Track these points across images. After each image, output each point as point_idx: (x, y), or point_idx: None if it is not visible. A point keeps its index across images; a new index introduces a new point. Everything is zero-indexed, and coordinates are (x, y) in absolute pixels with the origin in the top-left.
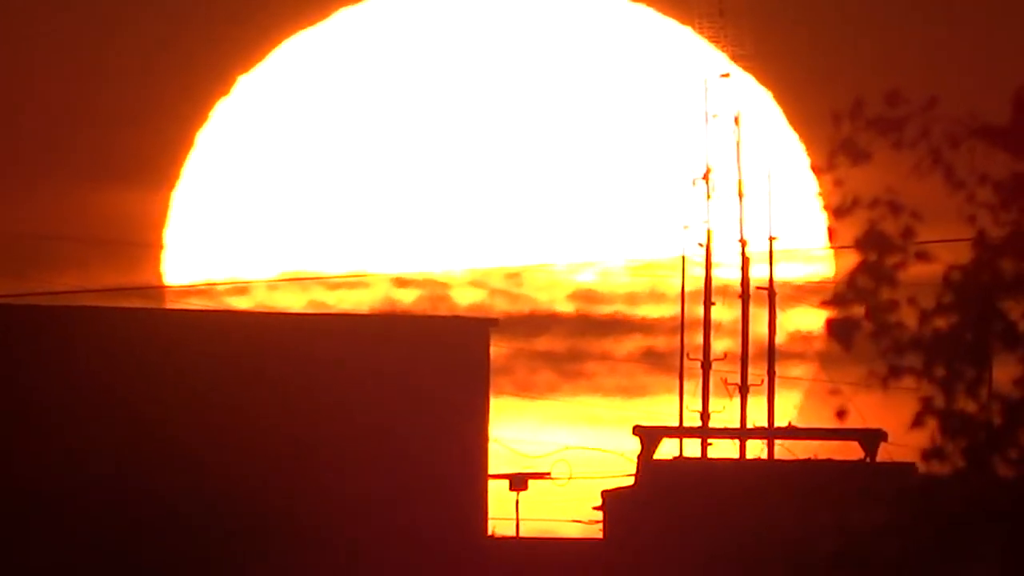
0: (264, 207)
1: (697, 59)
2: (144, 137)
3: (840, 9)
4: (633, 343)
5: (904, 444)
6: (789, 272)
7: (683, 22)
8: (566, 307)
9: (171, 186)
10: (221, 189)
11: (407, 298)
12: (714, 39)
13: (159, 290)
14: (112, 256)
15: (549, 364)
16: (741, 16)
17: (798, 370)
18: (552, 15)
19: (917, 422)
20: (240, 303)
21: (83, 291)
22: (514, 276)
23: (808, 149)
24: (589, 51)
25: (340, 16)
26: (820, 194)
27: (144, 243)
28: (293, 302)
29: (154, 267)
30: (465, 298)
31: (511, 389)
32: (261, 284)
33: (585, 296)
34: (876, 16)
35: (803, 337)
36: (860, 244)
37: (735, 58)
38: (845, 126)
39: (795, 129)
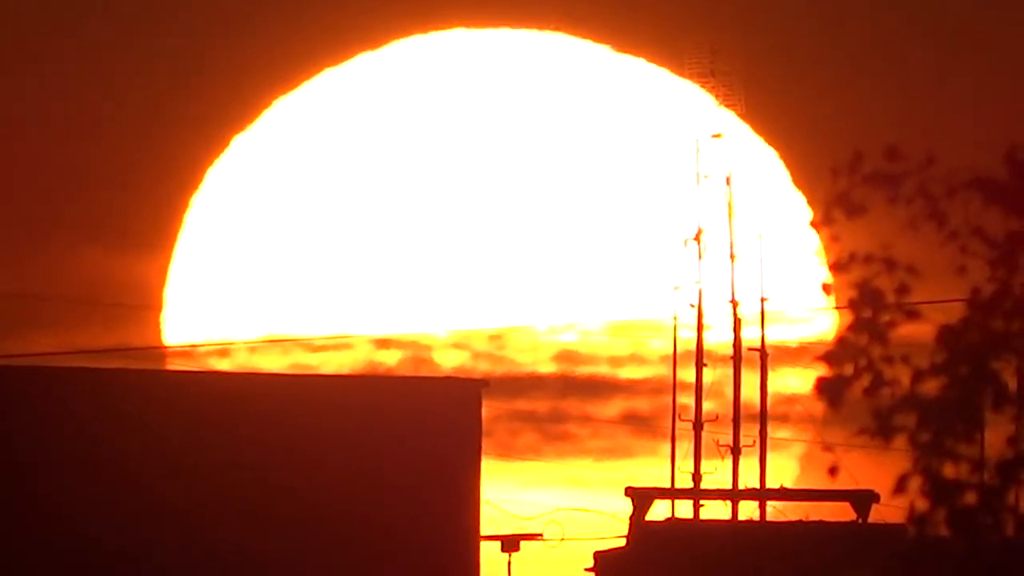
0: (246, 269)
1: (691, 116)
2: (140, 198)
3: (838, 67)
4: (618, 405)
5: (897, 505)
6: (783, 333)
7: (676, 72)
8: (549, 368)
9: (168, 248)
10: (212, 252)
11: (389, 360)
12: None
13: (157, 351)
14: (108, 317)
15: (532, 425)
16: (733, 75)
17: (786, 432)
18: (538, 74)
19: (899, 488)
20: (221, 365)
21: (76, 352)
22: (497, 338)
23: (812, 207)
24: (579, 112)
25: (325, 77)
26: (818, 251)
27: (141, 305)
28: (275, 364)
29: (153, 328)
30: (448, 360)
31: (494, 450)
32: (242, 346)
33: (568, 357)
34: (876, 73)
35: (795, 399)
36: (853, 301)
37: (731, 113)
38: (842, 180)
39: (799, 187)
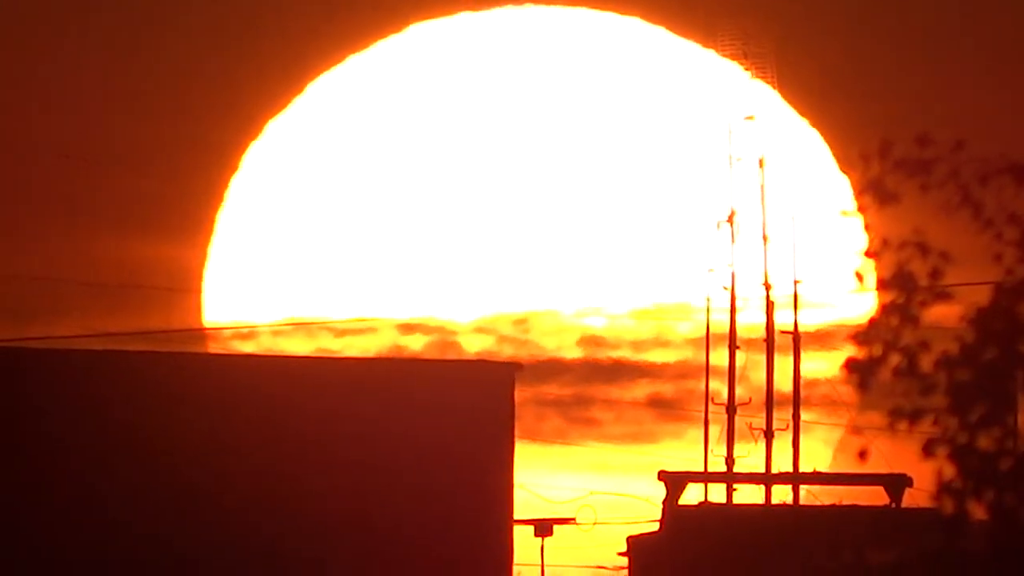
0: (271, 254)
1: (724, 96)
2: (178, 184)
3: (884, 52)
4: (646, 388)
5: (930, 489)
6: (817, 316)
7: (708, 46)
8: (576, 352)
9: (207, 233)
10: (247, 236)
11: (415, 344)
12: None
13: (181, 333)
14: (148, 301)
15: (559, 410)
16: (766, 56)
17: (819, 415)
18: (570, 52)
19: (928, 451)
20: (246, 348)
21: (100, 335)
22: (522, 322)
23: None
24: (610, 91)
25: (351, 62)
26: (854, 235)
27: (181, 288)
28: (299, 348)
29: (194, 312)
30: (473, 344)
31: (522, 434)
32: (266, 330)
33: (595, 341)
34: (928, 59)
35: (828, 382)
36: (887, 285)
37: (775, 94)
38: (874, 167)
39: (844, 171)
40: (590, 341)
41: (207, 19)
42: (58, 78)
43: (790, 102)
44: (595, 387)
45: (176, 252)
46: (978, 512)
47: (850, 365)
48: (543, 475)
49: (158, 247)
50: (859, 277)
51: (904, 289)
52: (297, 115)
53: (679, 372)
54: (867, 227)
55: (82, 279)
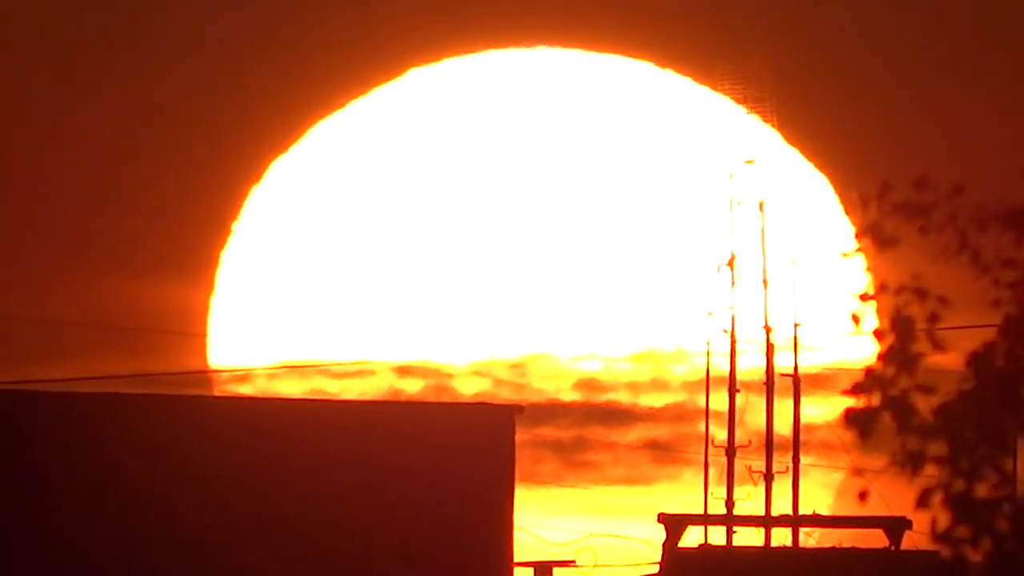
0: (268, 297)
1: (725, 141)
2: (182, 225)
3: (890, 94)
4: (642, 432)
5: (929, 534)
6: (816, 359)
7: (710, 86)
8: (572, 396)
9: (211, 275)
10: (249, 278)
11: (410, 387)
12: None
13: (176, 376)
14: (151, 343)
15: (557, 453)
16: (766, 102)
17: (819, 459)
18: (566, 95)
19: (922, 502)
20: (242, 391)
21: (99, 377)
22: (518, 366)
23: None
24: (607, 133)
25: (352, 108)
26: (853, 279)
27: (184, 332)
28: (294, 390)
29: (199, 355)
30: (469, 387)
31: (519, 477)
32: (262, 372)
33: (591, 385)
34: (934, 100)
35: (827, 426)
36: (883, 331)
37: (778, 137)
38: (872, 210)
39: (848, 215)
40: (587, 384)
41: (210, 62)
42: (60, 118)
43: (795, 145)
44: (592, 430)
45: (180, 294)
46: (977, 558)
47: (849, 416)
48: (541, 517)
49: (161, 288)
50: (855, 320)
51: (901, 334)
52: (301, 155)
53: (676, 415)
54: (866, 270)
55: (83, 321)
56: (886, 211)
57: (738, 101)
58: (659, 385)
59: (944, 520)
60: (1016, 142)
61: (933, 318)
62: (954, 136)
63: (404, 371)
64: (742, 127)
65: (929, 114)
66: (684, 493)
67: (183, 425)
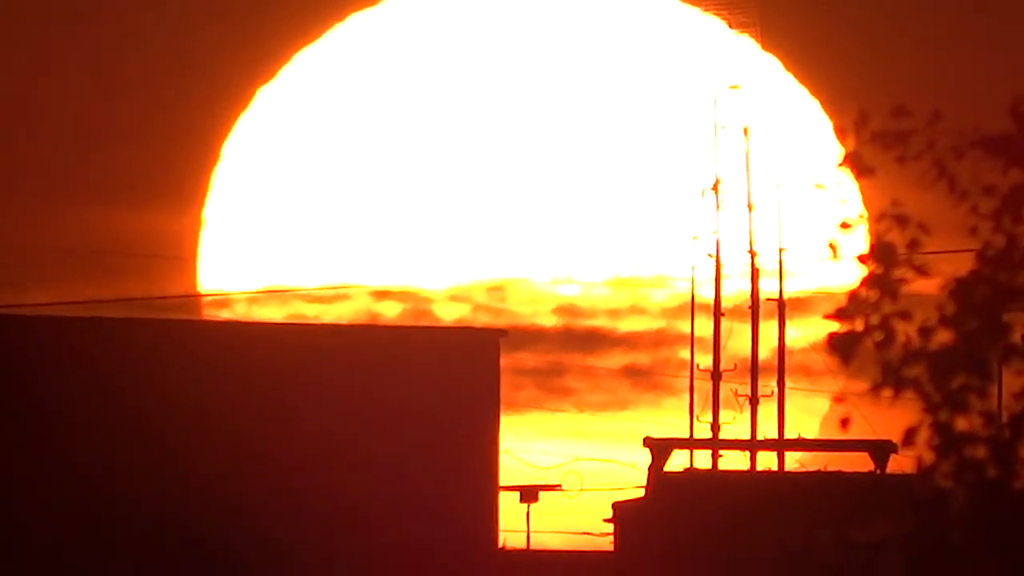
0: (253, 222)
1: (710, 64)
2: (172, 152)
3: (886, 21)
4: (624, 357)
5: (913, 455)
6: (799, 285)
7: (705, 10)
8: (551, 321)
9: (201, 201)
10: (236, 204)
11: (389, 312)
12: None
13: (177, 300)
14: (140, 268)
15: (535, 378)
16: (752, 27)
17: (804, 383)
18: (549, 17)
19: (907, 441)
20: (221, 315)
21: (112, 301)
22: (497, 290)
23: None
24: (590, 55)
25: (336, 31)
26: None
27: (178, 256)
28: (273, 315)
29: (189, 279)
30: (447, 312)
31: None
32: (241, 297)
33: (570, 310)
34: (921, 28)
35: (812, 349)
36: (866, 257)
37: (776, 61)
38: (850, 140)
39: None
40: (566, 309)
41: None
42: (48, 50)
43: (791, 70)
44: (572, 355)
45: (171, 220)
46: (960, 491)
47: (832, 341)
48: (524, 442)
49: (153, 215)
50: (832, 249)
51: (883, 261)
52: (287, 81)
53: (656, 340)
54: (846, 199)
55: (73, 248)
56: (865, 140)
57: (729, 25)
58: (639, 310)
59: (929, 457)
60: (991, 72)
61: (914, 244)
62: (942, 63)
63: (382, 295)
64: (729, 52)
65: (941, 47)
66: (667, 418)
67: (169, 349)
